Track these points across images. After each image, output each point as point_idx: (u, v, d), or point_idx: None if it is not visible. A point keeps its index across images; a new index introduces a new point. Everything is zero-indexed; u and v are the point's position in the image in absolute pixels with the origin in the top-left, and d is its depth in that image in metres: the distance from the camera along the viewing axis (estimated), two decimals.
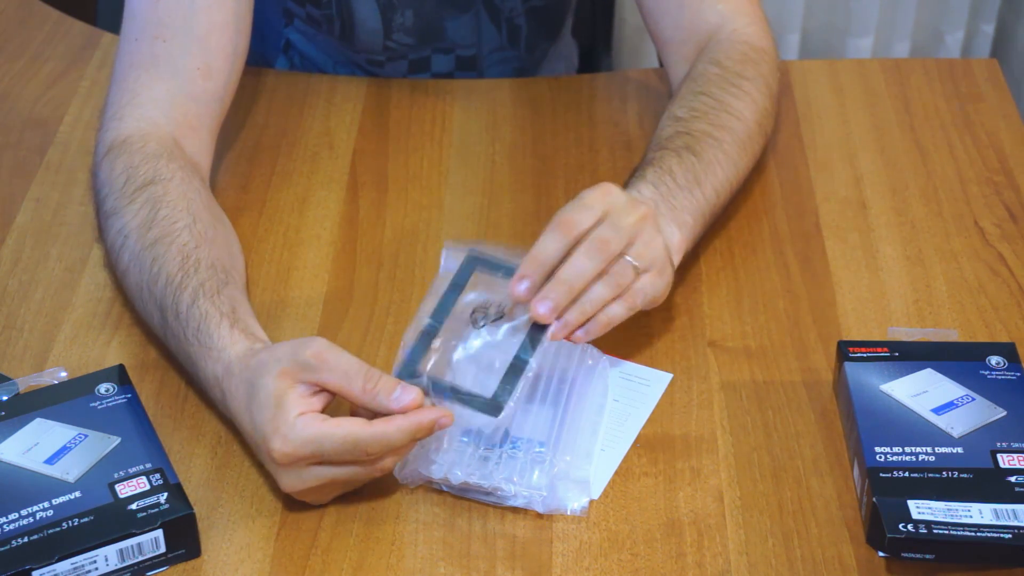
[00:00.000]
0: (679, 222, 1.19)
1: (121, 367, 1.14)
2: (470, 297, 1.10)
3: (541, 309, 1.07)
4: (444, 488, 1.08)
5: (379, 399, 1.01)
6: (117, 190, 1.20)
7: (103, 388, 1.12)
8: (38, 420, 1.09)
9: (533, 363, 1.06)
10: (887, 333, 1.20)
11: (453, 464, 1.07)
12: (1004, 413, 1.10)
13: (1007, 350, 1.15)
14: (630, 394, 1.16)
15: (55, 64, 1.54)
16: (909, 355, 1.15)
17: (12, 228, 1.33)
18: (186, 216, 1.17)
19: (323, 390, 1.02)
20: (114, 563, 1.01)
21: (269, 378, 1.02)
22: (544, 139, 1.45)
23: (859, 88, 1.52)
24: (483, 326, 1.09)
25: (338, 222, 1.34)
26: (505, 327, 1.08)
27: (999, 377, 1.13)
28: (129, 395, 1.11)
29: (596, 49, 1.85)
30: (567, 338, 1.08)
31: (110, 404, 1.10)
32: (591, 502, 1.08)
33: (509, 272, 1.09)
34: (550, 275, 1.08)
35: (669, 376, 1.18)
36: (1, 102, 1.49)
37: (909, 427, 1.09)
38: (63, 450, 1.06)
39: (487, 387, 1.05)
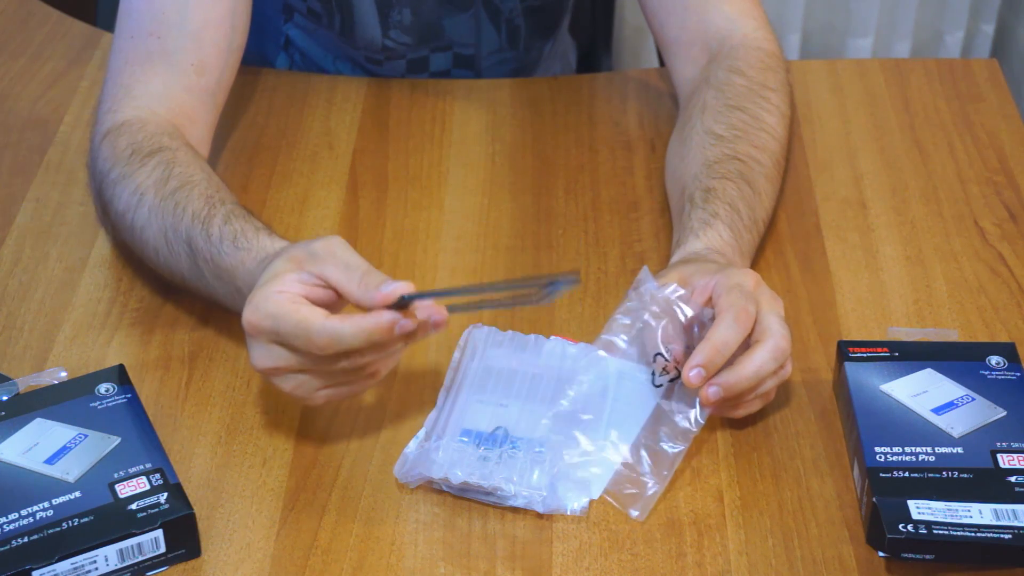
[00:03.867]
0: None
1: (121, 367, 1.14)
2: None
3: (712, 394, 1.07)
4: (444, 488, 1.08)
5: (368, 293, 0.98)
6: (123, 160, 1.20)
7: (103, 388, 1.12)
8: (38, 420, 1.09)
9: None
10: (887, 333, 1.20)
11: (453, 464, 1.07)
12: (1004, 413, 1.10)
13: (1007, 350, 1.15)
14: (630, 394, 1.16)
15: (55, 64, 1.54)
16: (909, 355, 1.15)
17: (12, 228, 1.33)
18: (200, 172, 1.18)
19: (326, 286, 1.01)
20: (114, 563, 1.01)
21: (280, 259, 1.02)
22: (544, 139, 1.45)
23: (859, 88, 1.52)
24: (660, 385, 1.11)
25: (338, 222, 1.34)
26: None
27: (999, 377, 1.13)
28: (129, 395, 1.11)
29: (596, 49, 1.85)
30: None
31: (110, 404, 1.10)
32: (591, 502, 1.08)
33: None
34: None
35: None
36: (1, 102, 1.49)
37: (909, 427, 1.09)
38: (63, 450, 1.06)
39: None
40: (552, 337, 1.17)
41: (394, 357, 1.02)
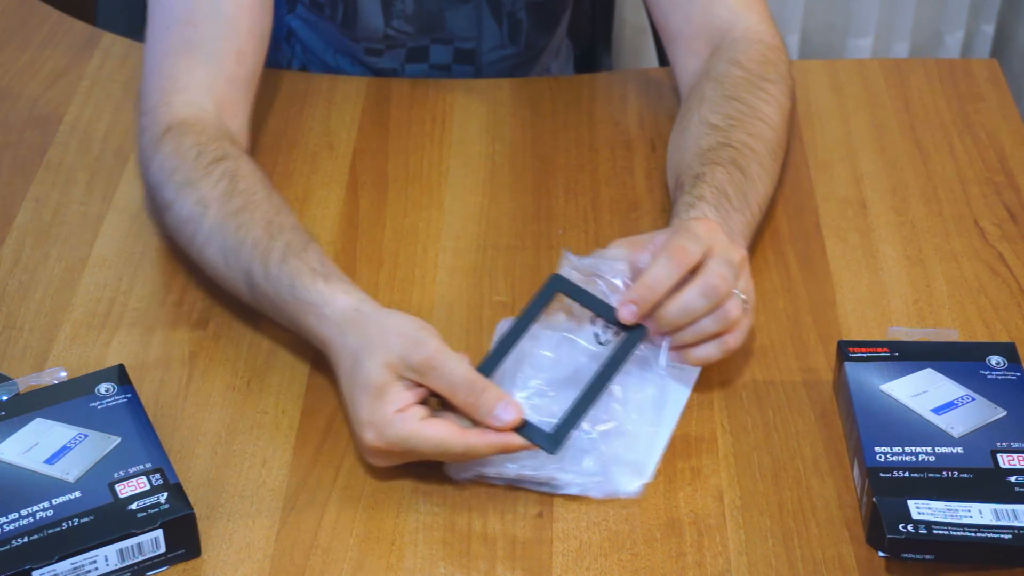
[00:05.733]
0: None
1: (121, 367, 1.14)
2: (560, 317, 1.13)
3: (626, 316, 1.09)
4: (497, 481, 1.08)
5: (480, 413, 1.03)
6: (189, 162, 1.21)
7: (103, 388, 1.12)
8: (38, 420, 1.09)
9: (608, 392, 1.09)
10: (887, 333, 1.20)
11: (504, 457, 1.07)
12: (1004, 413, 1.10)
13: (1007, 350, 1.15)
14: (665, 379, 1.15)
15: (55, 64, 1.54)
16: (909, 355, 1.15)
17: (12, 228, 1.33)
18: (263, 189, 1.19)
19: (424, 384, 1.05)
20: (114, 563, 1.01)
21: (374, 363, 1.04)
22: (544, 139, 1.45)
23: (859, 88, 1.52)
24: (608, 343, 1.11)
25: (338, 222, 1.34)
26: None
27: (999, 377, 1.13)
28: (129, 395, 1.11)
29: (596, 49, 1.85)
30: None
31: (110, 404, 1.10)
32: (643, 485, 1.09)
33: (597, 309, 1.11)
34: (657, 305, 1.09)
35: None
36: (1, 101, 1.49)
37: (909, 427, 1.09)
38: (63, 450, 1.06)
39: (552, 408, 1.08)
40: None
41: None
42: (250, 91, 1.31)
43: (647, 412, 1.11)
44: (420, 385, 1.05)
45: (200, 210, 1.18)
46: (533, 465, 1.07)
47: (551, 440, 1.05)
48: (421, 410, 1.04)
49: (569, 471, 1.07)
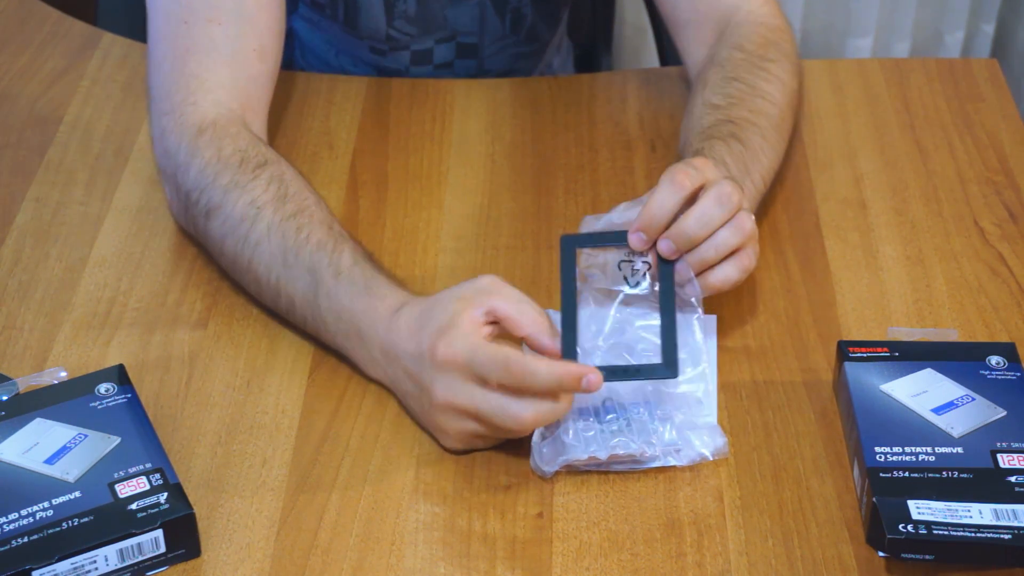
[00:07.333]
0: None
1: (121, 367, 1.14)
2: (601, 258, 1.14)
3: (664, 248, 1.11)
4: (585, 468, 1.09)
5: (542, 337, 1.07)
6: (234, 167, 1.21)
7: (103, 388, 1.12)
8: (38, 420, 1.09)
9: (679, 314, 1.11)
10: (887, 333, 1.20)
11: (589, 443, 1.08)
12: (1004, 413, 1.10)
13: (1007, 350, 1.15)
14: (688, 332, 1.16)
15: (55, 64, 1.54)
16: (909, 355, 1.15)
17: (12, 228, 1.33)
18: (311, 195, 1.21)
19: (494, 321, 1.07)
20: (114, 563, 1.01)
21: (447, 302, 1.08)
22: (544, 139, 1.45)
23: (859, 88, 1.52)
24: (638, 284, 1.13)
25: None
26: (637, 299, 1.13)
27: (999, 377, 1.13)
28: (129, 395, 1.11)
29: (596, 49, 1.85)
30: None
31: (110, 404, 1.10)
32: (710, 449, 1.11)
33: (618, 241, 1.12)
34: (664, 228, 1.11)
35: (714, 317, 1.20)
36: (1, 101, 1.49)
37: (909, 427, 1.09)
38: (63, 450, 1.06)
39: (647, 356, 1.10)
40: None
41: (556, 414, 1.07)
42: (270, 89, 1.32)
43: (706, 374, 1.14)
44: (491, 321, 1.07)
45: (254, 211, 1.19)
46: (621, 444, 1.08)
47: (667, 367, 1.08)
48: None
49: (655, 444, 1.09)
